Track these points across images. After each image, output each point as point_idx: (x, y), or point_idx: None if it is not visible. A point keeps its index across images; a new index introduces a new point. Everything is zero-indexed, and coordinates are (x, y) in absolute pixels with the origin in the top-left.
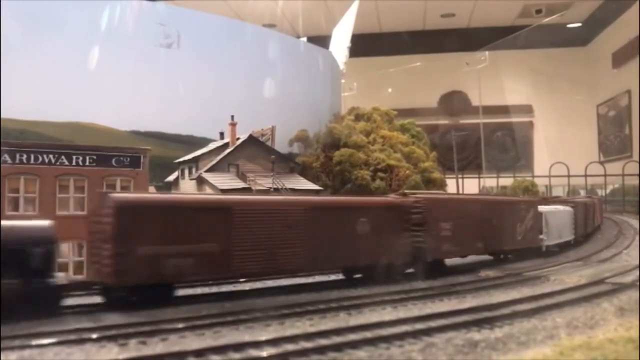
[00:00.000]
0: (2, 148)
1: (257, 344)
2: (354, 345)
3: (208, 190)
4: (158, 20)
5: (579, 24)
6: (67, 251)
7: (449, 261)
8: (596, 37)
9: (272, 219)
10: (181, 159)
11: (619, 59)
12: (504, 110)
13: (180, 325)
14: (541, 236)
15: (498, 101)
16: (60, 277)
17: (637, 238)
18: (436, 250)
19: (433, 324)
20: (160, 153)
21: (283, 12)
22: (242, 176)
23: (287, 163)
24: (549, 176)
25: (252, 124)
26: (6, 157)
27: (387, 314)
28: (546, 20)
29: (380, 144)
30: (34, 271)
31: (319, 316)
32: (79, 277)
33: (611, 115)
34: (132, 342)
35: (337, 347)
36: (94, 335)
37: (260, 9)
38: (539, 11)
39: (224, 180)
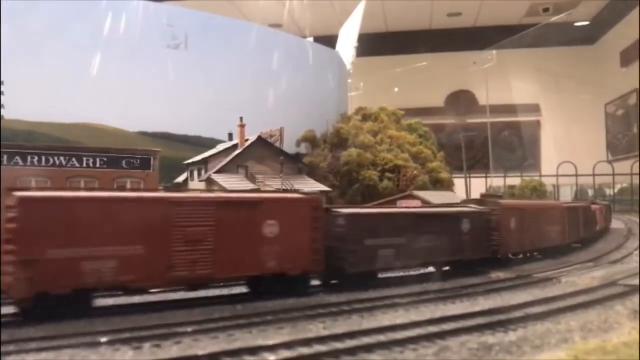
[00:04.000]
0: (13, 150)
1: (271, 348)
2: (368, 348)
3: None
4: (165, 22)
5: (587, 23)
6: None
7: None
8: (604, 36)
9: None
10: (190, 160)
11: (627, 57)
12: (511, 109)
13: (193, 329)
14: None
15: (505, 100)
16: None
17: None
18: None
19: (446, 326)
20: (168, 154)
21: (289, 12)
22: (251, 177)
23: (295, 164)
24: (557, 175)
25: (258, 124)
26: (18, 159)
27: (400, 316)
28: (553, 18)
29: (387, 144)
30: None
31: (331, 319)
32: None
33: (619, 114)
34: (147, 345)
35: (351, 351)
36: (108, 338)
37: (267, 10)
38: (546, 10)
39: (233, 182)
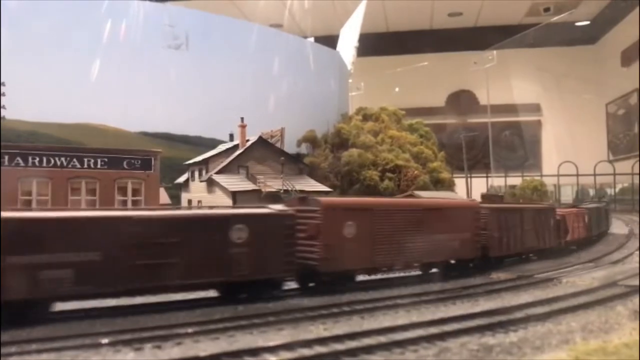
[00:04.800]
0: (15, 151)
1: (272, 349)
2: (369, 350)
3: (218, 191)
4: (167, 22)
5: (588, 22)
6: None
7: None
8: (605, 35)
9: None
10: (191, 161)
11: (628, 57)
12: (512, 109)
13: (194, 330)
14: None
15: (506, 100)
16: None
17: None
18: None
19: (447, 328)
20: (169, 154)
21: (290, 12)
22: (251, 178)
23: (296, 164)
24: (558, 175)
25: (259, 124)
26: (19, 160)
27: (400, 317)
28: (554, 18)
29: (388, 144)
30: None
31: (333, 320)
32: None
33: (620, 114)
34: (148, 346)
35: (352, 352)
36: (110, 340)
37: (268, 10)
38: (547, 9)
39: (234, 182)
